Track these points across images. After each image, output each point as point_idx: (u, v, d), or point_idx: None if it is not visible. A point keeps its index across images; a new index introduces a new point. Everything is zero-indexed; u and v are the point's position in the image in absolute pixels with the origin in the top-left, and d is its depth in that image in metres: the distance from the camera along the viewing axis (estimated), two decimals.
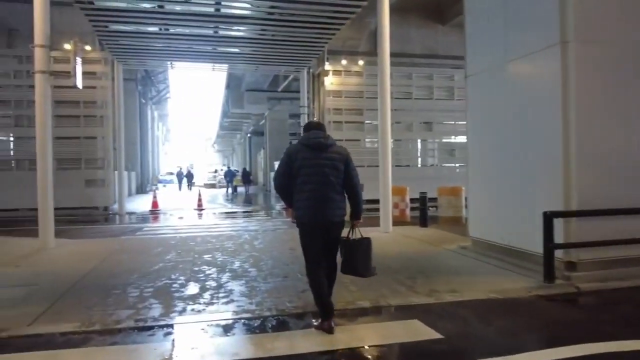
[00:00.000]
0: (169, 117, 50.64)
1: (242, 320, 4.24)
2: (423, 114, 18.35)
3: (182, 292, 5.24)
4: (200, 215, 15.76)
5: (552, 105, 5.83)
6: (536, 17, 6.14)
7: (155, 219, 14.89)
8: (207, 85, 67.27)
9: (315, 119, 17.36)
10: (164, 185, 38.37)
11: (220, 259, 7.09)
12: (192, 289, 5.37)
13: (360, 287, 5.16)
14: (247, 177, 27.85)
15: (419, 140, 18.93)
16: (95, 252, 7.65)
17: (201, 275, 6.05)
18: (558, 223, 5.52)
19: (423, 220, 10.40)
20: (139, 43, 14.02)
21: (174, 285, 5.53)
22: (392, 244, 8.35)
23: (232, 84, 29.80)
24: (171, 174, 43.63)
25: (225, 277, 5.90)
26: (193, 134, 75.11)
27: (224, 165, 57.58)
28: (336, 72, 17.19)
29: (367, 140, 17.79)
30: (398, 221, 10.87)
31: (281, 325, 4.15)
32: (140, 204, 19.24)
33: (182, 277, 5.90)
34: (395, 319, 4.28)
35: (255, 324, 4.16)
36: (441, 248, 7.82)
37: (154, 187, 27.42)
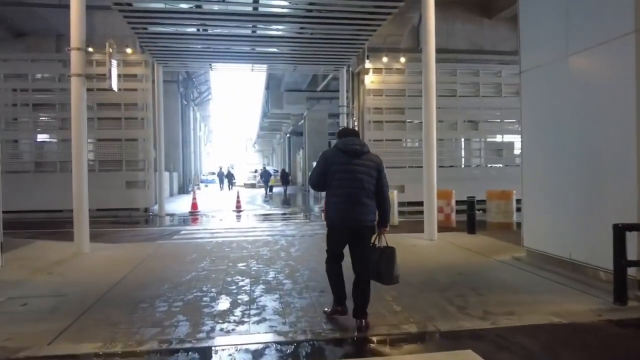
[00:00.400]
0: (211, 118, 51.26)
1: (274, 345, 3.84)
2: (468, 112, 17.43)
3: (212, 307, 4.91)
4: (238, 218, 15.60)
5: (623, 103, 5.14)
6: (604, 4, 5.46)
7: (194, 221, 14.82)
8: (248, 86, 68.05)
9: (355, 120, 16.84)
10: (206, 185, 38.76)
11: (254, 269, 6.75)
12: (223, 303, 5.03)
13: (405, 306, 4.68)
14: (286, 178, 27.75)
15: (462, 140, 18.07)
16: (128, 258, 7.49)
17: (233, 287, 5.72)
18: (631, 237, 4.85)
19: (471, 226, 9.70)
20: (178, 45, 13.95)
21: (205, 298, 5.22)
22: (438, 253, 7.78)
23: (272, 84, 29.76)
24: (213, 174, 44.10)
25: (258, 290, 5.55)
26: (234, 134, 76.30)
27: (263, 165, 57.95)
28: (376, 70, 16.56)
29: (408, 139, 17.13)
30: (443, 227, 10.21)
31: (317, 353, 3.71)
32: (181, 204, 19.31)
33: (213, 289, 5.59)
34: (445, 349, 3.77)
35: (288, 351, 3.75)
36: (492, 259, 7.20)
37: (195, 187, 27.65)
